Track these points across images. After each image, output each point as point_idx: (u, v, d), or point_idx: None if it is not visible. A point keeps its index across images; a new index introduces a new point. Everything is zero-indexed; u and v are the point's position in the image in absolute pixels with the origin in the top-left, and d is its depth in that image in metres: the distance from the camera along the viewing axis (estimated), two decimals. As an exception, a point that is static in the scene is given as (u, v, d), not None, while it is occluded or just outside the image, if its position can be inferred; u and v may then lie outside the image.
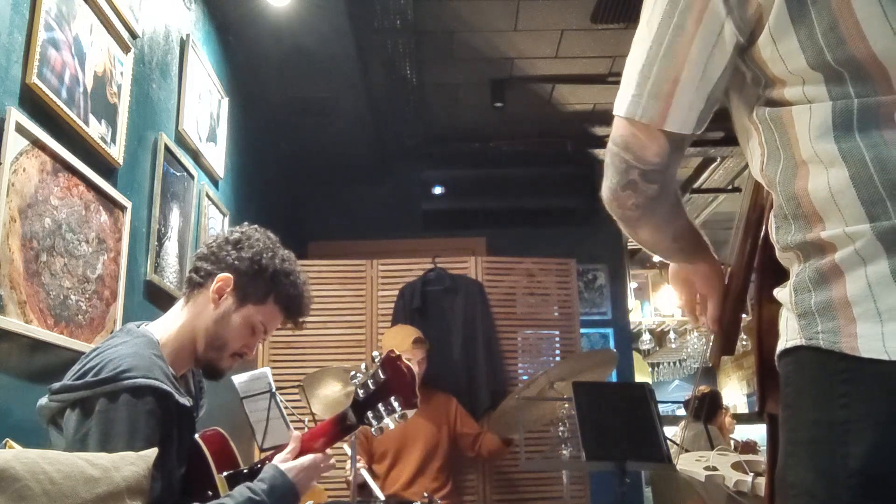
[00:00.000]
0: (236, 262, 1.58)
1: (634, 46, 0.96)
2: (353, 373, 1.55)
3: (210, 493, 1.47)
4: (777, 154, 0.88)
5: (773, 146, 0.89)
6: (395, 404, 1.49)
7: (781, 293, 0.90)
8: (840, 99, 0.83)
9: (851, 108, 0.82)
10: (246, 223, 1.69)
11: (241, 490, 1.42)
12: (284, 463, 1.48)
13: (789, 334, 0.87)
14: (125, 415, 1.33)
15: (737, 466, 1.98)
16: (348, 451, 2.74)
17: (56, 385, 1.41)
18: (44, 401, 1.43)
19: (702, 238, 1.15)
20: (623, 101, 0.95)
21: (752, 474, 1.89)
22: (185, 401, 1.45)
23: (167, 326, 1.57)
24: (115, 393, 1.34)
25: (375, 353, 1.57)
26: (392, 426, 1.51)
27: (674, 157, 0.96)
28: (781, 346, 0.89)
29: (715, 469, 1.98)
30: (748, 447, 4.85)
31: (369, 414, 1.50)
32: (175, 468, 1.45)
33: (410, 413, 1.51)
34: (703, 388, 5.01)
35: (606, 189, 1.02)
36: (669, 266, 1.22)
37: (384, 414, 1.49)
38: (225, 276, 1.57)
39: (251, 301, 1.58)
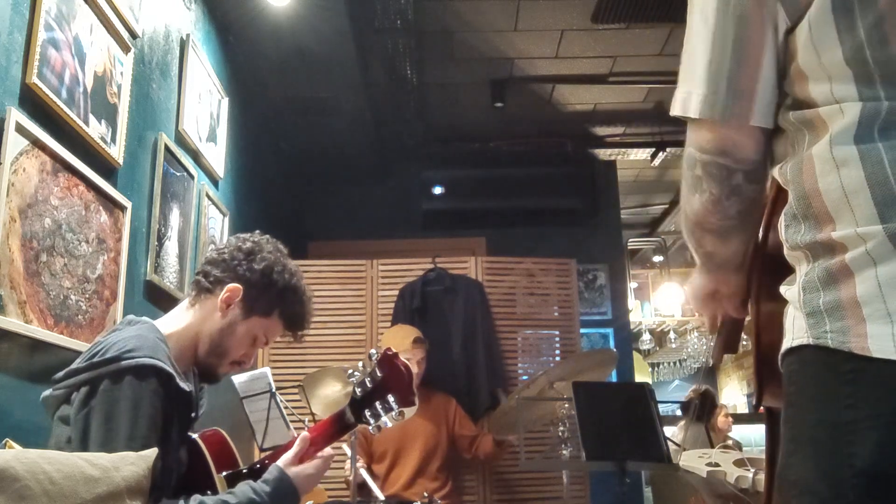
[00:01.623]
0: (247, 274, 1.60)
1: (692, 42, 0.92)
2: (350, 371, 1.55)
3: (209, 492, 1.47)
4: (800, 154, 0.87)
5: (802, 147, 0.88)
6: (393, 402, 1.49)
7: (789, 292, 0.89)
8: (870, 100, 0.81)
9: (880, 109, 0.81)
10: (258, 231, 1.71)
11: (244, 489, 1.42)
12: (290, 467, 1.48)
13: (796, 333, 0.86)
14: (129, 393, 1.34)
15: (739, 463, 1.98)
16: (347, 451, 2.74)
17: (60, 374, 1.42)
18: (48, 391, 1.43)
19: None
20: (693, 101, 0.90)
21: (752, 470, 1.90)
22: (186, 386, 1.46)
23: (171, 324, 1.58)
24: (119, 373, 1.35)
25: (373, 351, 1.57)
26: (390, 424, 1.51)
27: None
28: (787, 344, 0.88)
29: (717, 465, 1.98)
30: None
31: (367, 412, 1.50)
32: (175, 450, 1.46)
33: (408, 411, 1.51)
34: (698, 388, 5.01)
35: (705, 203, 0.95)
36: (695, 281, 1.14)
37: (381, 412, 1.49)
38: (235, 287, 1.59)
39: (257, 313, 1.61)
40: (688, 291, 1.18)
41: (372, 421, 1.50)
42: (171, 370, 1.41)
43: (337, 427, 1.54)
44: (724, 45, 0.88)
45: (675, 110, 0.92)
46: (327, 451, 1.56)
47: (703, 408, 4.58)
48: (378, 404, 1.50)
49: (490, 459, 3.44)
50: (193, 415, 1.60)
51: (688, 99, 0.90)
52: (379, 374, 1.51)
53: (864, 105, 0.81)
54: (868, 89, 0.82)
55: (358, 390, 1.52)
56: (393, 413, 1.49)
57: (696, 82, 0.90)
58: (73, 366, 1.42)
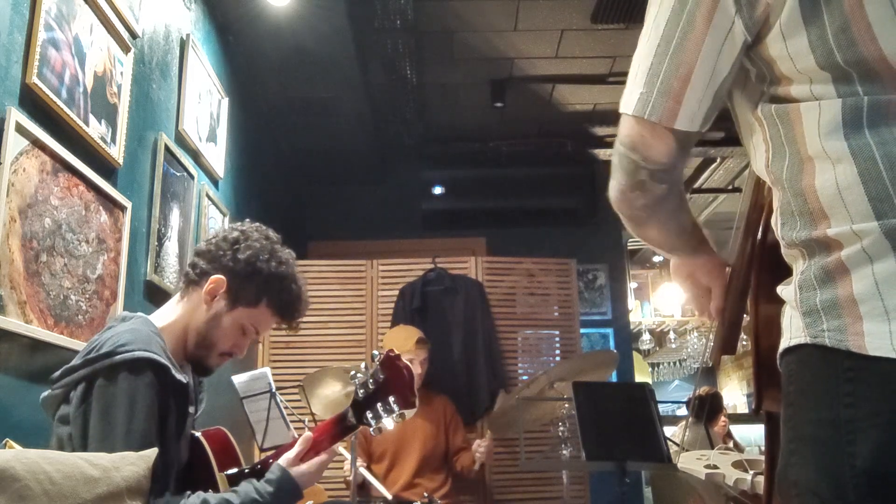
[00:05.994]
0: (231, 264, 1.57)
1: (641, 43, 0.95)
2: (353, 372, 1.55)
3: (210, 491, 1.47)
4: (783, 150, 0.88)
5: (779, 142, 0.89)
6: (394, 404, 1.49)
7: (786, 291, 0.89)
8: (849, 96, 0.83)
9: (861, 104, 0.82)
10: (248, 220, 1.68)
11: (246, 488, 1.42)
12: (292, 467, 1.48)
13: (793, 332, 0.86)
14: (125, 387, 1.34)
15: (737, 465, 1.98)
16: (345, 454, 2.73)
17: (57, 373, 1.42)
18: (47, 392, 1.43)
19: (702, 232, 1.16)
20: (631, 98, 0.94)
21: (751, 472, 1.90)
22: (182, 377, 1.46)
23: (163, 318, 1.58)
24: (114, 367, 1.35)
25: (375, 352, 1.56)
26: (391, 426, 1.50)
27: (681, 155, 0.96)
28: (785, 343, 0.88)
29: (715, 467, 1.98)
30: None
31: (368, 414, 1.50)
32: (173, 440, 1.46)
33: (409, 413, 1.51)
34: (706, 389, 5.00)
35: (615, 190, 1.02)
36: (671, 262, 1.22)
37: (383, 414, 1.49)
38: (218, 278, 1.57)
39: (242, 304, 1.58)
40: (671, 272, 1.25)
41: (373, 422, 1.49)
42: (165, 362, 1.41)
43: (339, 428, 1.53)
44: (666, 48, 0.92)
45: (621, 107, 0.97)
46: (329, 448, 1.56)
47: (701, 408, 4.57)
48: (379, 405, 1.49)
49: (464, 474, 3.35)
50: (193, 409, 1.59)
51: (629, 97, 0.95)
52: (381, 375, 1.50)
53: (844, 101, 0.83)
54: (845, 87, 0.83)
55: (360, 391, 1.52)
56: (394, 415, 1.49)
57: (638, 82, 0.94)
58: (70, 364, 1.42)
